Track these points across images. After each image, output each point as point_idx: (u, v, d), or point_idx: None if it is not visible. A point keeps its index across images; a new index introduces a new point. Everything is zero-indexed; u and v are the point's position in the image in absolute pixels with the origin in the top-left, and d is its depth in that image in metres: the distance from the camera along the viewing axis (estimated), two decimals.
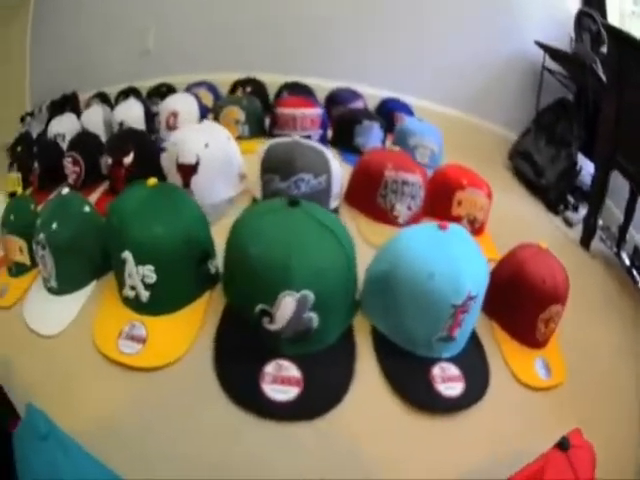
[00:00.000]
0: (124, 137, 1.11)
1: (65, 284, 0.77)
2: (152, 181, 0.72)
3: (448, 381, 0.64)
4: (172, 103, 1.29)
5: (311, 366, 0.61)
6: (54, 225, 0.75)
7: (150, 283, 0.67)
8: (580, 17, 1.41)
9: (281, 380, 0.60)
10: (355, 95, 1.41)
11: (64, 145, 1.37)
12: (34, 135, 1.67)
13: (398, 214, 0.95)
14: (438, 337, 0.64)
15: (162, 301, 0.69)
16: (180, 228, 0.69)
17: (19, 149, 1.50)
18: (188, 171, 0.91)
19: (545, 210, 1.33)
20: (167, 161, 0.94)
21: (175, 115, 1.26)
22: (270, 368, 0.61)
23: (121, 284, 0.69)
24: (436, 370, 0.64)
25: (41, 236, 0.75)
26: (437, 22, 1.45)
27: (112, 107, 1.52)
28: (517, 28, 1.47)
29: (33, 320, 0.75)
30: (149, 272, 0.67)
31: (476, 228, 1.04)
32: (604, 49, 1.33)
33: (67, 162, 1.15)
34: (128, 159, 1.01)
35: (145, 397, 0.63)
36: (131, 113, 1.33)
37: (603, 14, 1.45)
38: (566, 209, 1.33)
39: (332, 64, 1.48)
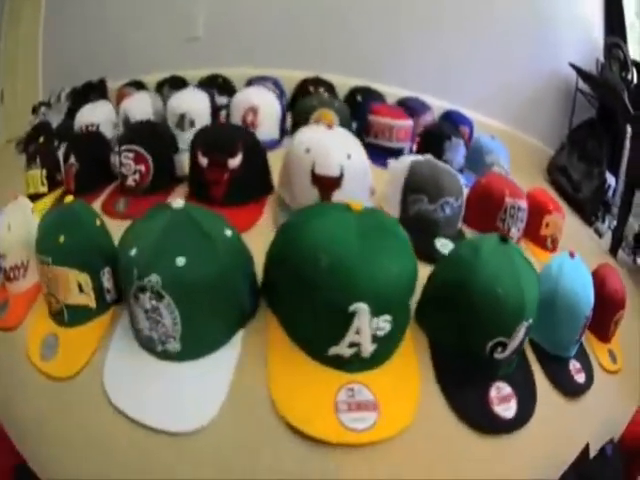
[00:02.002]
0: (228, 133, 0.80)
1: (196, 344, 0.50)
2: (357, 205, 0.51)
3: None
4: (251, 97, 0.99)
5: (514, 383, 0.56)
6: (180, 259, 0.47)
7: (382, 335, 0.47)
8: (610, 47, 1.35)
9: (502, 400, 0.54)
10: (424, 106, 1.21)
11: None
12: (53, 126, 1.29)
13: (512, 237, 0.86)
14: (575, 340, 0.67)
15: (386, 352, 0.49)
16: (412, 263, 0.49)
17: (41, 140, 1.06)
18: (329, 184, 0.67)
19: (580, 221, 1.27)
20: (298, 170, 0.69)
21: (255, 111, 0.96)
22: (494, 391, 0.54)
23: (328, 342, 0.47)
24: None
25: (153, 278, 0.46)
26: (487, 42, 1.31)
27: None
28: (555, 49, 1.37)
29: (140, 406, 0.48)
30: (384, 323, 0.47)
31: (555, 246, 0.99)
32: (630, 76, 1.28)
33: (125, 158, 0.80)
34: (235, 161, 0.73)
35: None
36: (196, 104, 1.01)
37: (624, 38, 1.38)
38: (596, 221, 1.28)
39: (396, 71, 1.28)
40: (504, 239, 0.56)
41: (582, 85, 1.39)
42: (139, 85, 1.31)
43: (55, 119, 1.35)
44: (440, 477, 0.47)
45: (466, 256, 0.54)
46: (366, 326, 0.45)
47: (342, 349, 0.46)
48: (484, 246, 0.54)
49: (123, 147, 0.81)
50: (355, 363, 0.47)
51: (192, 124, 0.98)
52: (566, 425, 0.59)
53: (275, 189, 0.77)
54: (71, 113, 1.32)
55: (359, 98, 1.17)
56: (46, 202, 0.89)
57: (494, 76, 1.30)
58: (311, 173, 0.67)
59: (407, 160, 0.77)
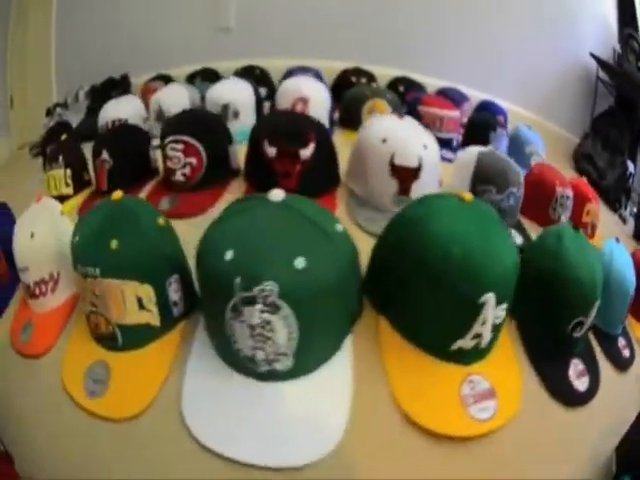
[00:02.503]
0: (297, 121, 0.73)
1: (310, 358, 0.42)
2: (469, 196, 0.49)
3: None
4: (301, 86, 0.93)
5: (585, 360, 0.57)
6: (300, 261, 0.39)
7: (498, 324, 0.46)
8: (626, 38, 1.35)
9: (579, 374, 0.55)
10: (463, 97, 1.19)
11: None
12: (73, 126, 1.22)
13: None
14: (623, 319, 0.69)
15: (495, 340, 0.48)
16: (516, 251, 0.48)
17: (63, 137, 0.95)
18: (409, 175, 0.65)
19: (607, 208, 1.26)
20: (374, 161, 0.66)
21: (305, 101, 0.91)
22: (572, 367, 0.55)
23: (454, 335, 0.45)
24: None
25: (267, 286, 0.38)
26: (515, 34, 1.30)
27: None
28: (576, 40, 1.36)
29: (237, 441, 0.39)
30: (502, 312, 0.46)
31: (593, 233, 1.00)
32: None
33: (172, 150, 0.71)
34: (307, 152, 0.67)
35: None
36: (239, 94, 0.96)
37: (636, 29, 1.38)
38: (620, 207, 1.29)
39: (432, 61, 1.25)
40: (576, 228, 0.57)
41: (602, 74, 1.37)
42: (167, 79, 1.25)
43: (74, 119, 1.27)
44: (540, 449, 0.47)
45: (551, 245, 0.55)
46: (491, 316, 0.44)
47: (466, 342, 0.45)
48: (565, 235, 0.55)
49: (170, 138, 0.71)
50: (473, 355, 0.46)
51: (236, 115, 0.94)
52: (619, 396, 0.61)
53: (342, 181, 0.73)
54: (91, 112, 1.26)
55: (401, 88, 1.14)
56: (73, 204, 0.79)
57: (521, 66, 1.28)
58: (390, 164, 0.64)
59: (474, 152, 0.76)
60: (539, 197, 0.84)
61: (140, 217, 0.48)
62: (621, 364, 0.65)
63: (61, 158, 0.84)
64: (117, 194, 0.50)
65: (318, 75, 1.15)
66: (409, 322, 0.46)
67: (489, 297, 0.43)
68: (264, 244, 0.40)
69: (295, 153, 0.66)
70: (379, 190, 0.65)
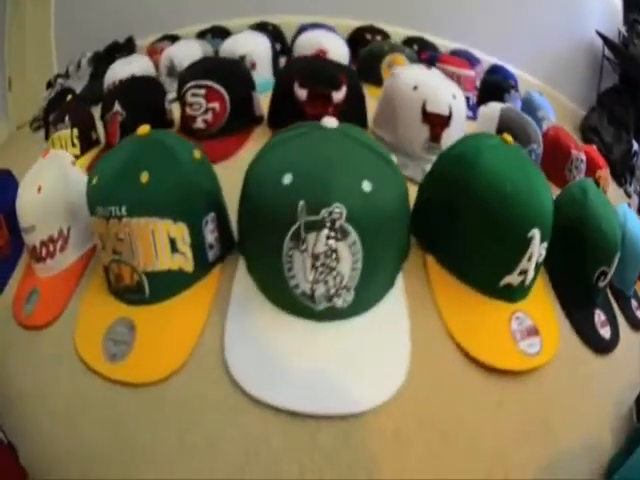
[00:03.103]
0: (328, 65, 0.70)
1: (368, 293, 0.39)
2: (509, 137, 0.47)
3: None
4: (320, 39, 0.91)
5: (605, 311, 0.57)
6: (367, 183, 0.36)
7: (539, 262, 0.45)
8: (632, 22, 1.35)
9: (602, 324, 0.55)
10: (475, 59, 1.16)
11: None
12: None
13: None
14: (634, 280, 0.68)
15: (535, 280, 0.47)
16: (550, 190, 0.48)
17: (68, 98, 0.92)
18: (440, 123, 0.63)
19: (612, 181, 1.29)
20: (405, 107, 0.64)
21: (324, 53, 0.88)
22: (597, 316, 0.55)
23: (503, 270, 0.44)
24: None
25: (336, 209, 0.35)
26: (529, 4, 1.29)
27: None
28: (583, 17, 1.37)
29: (292, 391, 0.36)
30: (543, 249, 0.45)
31: None
32: None
33: (193, 96, 0.67)
34: (339, 95, 0.63)
35: None
36: (257, 46, 0.92)
37: None
38: (625, 183, 1.28)
39: (445, 24, 1.22)
40: (597, 183, 0.58)
41: (607, 52, 1.38)
42: (174, 39, 1.19)
43: (77, 86, 1.19)
44: (571, 394, 0.46)
45: (578, 196, 0.55)
46: (536, 252, 0.43)
47: (514, 277, 0.44)
48: (589, 188, 0.55)
49: (191, 83, 0.67)
50: (519, 292, 0.46)
51: (253, 67, 0.89)
52: (635, 352, 0.61)
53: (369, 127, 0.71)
54: (94, 78, 1.21)
55: (415, 48, 1.11)
56: (80, 164, 0.73)
57: (532, 35, 1.28)
58: (422, 111, 0.62)
59: (497, 107, 0.75)
60: (556, 158, 0.84)
61: (174, 148, 0.43)
62: (635, 323, 0.65)
63: (67, 118, 0.78)
64: (143, 128, 0.44)
65: (332, 31, 1.10)
66: (459, 259, 0.45)
67: (535, 232, 0.43)
68: (327, 167, 0.36)
69: (328, 95, 0.63)
70: (410, 136, 0.63)
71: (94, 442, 0.38)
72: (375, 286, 0.40)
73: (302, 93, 0.63)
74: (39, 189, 0.51)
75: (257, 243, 0.41)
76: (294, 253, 0.36)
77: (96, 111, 0.81)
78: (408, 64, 0.90)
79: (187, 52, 0.96)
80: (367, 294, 0.39)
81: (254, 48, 0.92)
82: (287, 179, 0.36)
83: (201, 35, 1.17)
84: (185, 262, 0.42)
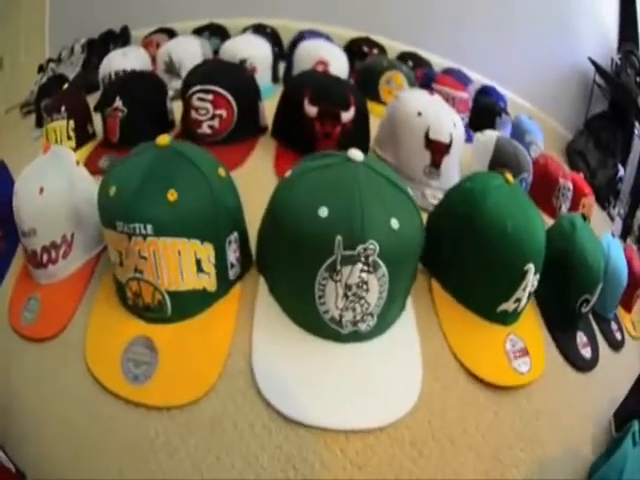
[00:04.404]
0: (338, 83, 0.75)
1: (386, 318, 0.46)
2: (511, 177, 0.57)
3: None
4: (321, 49, 0.99)
5: (587, 334, 0.68)
6: (395, 222, 0.42)
7: (532, 291, 0.55)
8: (626, 53, 1.51)
9: (584, 345, 0.65)
10: (467, 79, 1.27)
11: None
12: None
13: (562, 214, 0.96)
14: (615, 305, 0.80)
15: (526, 306, 0.56)
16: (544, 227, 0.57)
17: (65, 87, 0.92)
18: (441, 150, 0.73)
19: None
20: (408, 133, 0.73)
21: (326, 64, 0.97)
22: (579, 338, 0.66)
23: (500, 298, 0.53)
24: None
25: (371, 245, 0.40)
26: (520, 26, 1.44)
27: None
28: (576, 43, 1.52)
29: (317, 409, 0.41)
30: (536, 280, 0.54)
31: None
32: None
33: (200, 100, 0.70)
34: (348, 115, 0.69)
35: None
36: (257, 51, 0.99)
37: (637, 44, 1.55)
38: (609, 206, 1.43)
39: (436, 41, 1.34)
40: (585, 218, 0.68)
41: (598, 79, 1.53)
42: (170, 33, 1.26)
43: (69, 73, 1.24)
44: (555, 407, 0.56)
45: (567, 230, 0.65)
46: (530, 283, 0.53)
47: (509, 304, 0.53)
48: (578, 223, 0.66)
49: (197, 87, 0.71)
50: (512, 316, 0.55)
51: (254, 71, 0.97)
52: (613, 371, 0.72)
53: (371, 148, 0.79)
54: (88, 65, 1.26)
55: (410, 63, 1.21)
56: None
57: (523, 58, 1.42)
58: (425, 137, 0.72)
59: (492, 136, 0.85)
60: (544, 186, 0.95)
61: (200, 165, 0.45)
62: (614, 344, 0.77)
63: (63, 108, 0.80)
64: (163, 138, 0.46)
65: (330, 40, 1.19)
66: (461, 286, 0.54)
67: (531, 266, 0.52)
68: (359, 203, 0.41)
69: (337, 114, 0.70)
70: (412, 161, 0.73)
71: (118, 469, 0.40)
72: (393, 310, 0.48)
73: (312, 110, 0.70)
74: (41, 190, 0.51)
75: (288, 269, 0.46)
76: (327, 282, 0.42)
77: (90, 101, 0.86)
78: (406, 83, 1.00)
79: (186, 49, 1.03)
80: (386, 318, 0.47)
81: (255, 53, 0.99)
82: (323, 212, 0.41)
83: (198, 32, 1.23)
84: (209, 282, 0.46)
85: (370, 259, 0.41)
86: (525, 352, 0.54)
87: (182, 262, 0.44)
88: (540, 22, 1.45)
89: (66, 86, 0.93)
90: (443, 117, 0.73)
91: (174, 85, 0.91)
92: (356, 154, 0.46)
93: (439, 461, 0.43)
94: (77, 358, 0.46)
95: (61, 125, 0.79)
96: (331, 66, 0.98)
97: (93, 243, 0.56)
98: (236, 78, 0.76)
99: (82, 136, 0.82)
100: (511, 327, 0.55)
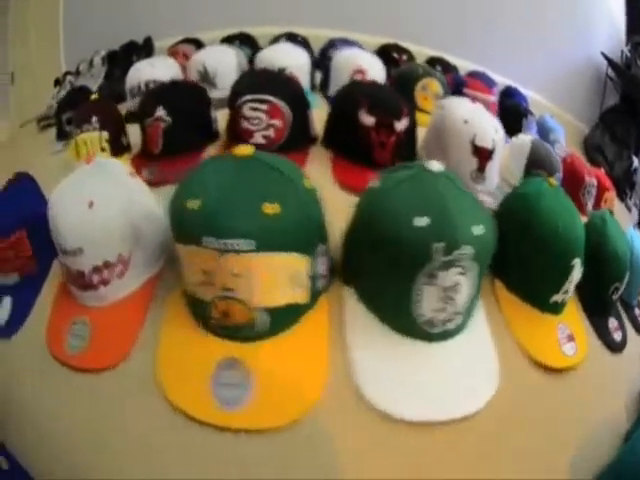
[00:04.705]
0: (391, 93, 0.80)
1: (468, 316, 0.51)
2: (554, 181, 0.66)
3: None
4: (358, 58, 1.05)
5: (617, 318, 0.75)
6: (478, 228, 0.47)
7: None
8: (636, 45, 1.59)
9: (615, 329, 0.73)
10: (492, 81, 1.34)
11: None
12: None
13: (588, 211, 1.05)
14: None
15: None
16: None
17: (94, 97, 0.91)
18: (486, 155, 0.80)
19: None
20: (456, 140, 0.81)
21: (363, 73, 1.03)
22: (610, 323, 0.73)
23: (552, 290, 0.62)
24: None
25: (467, 250, 0.44)
26: (537, 25, 1.51)
27: None
28: (589, 37, 1.60)
29: (414, 404, 0.45)
30: (580, 273, 0.63)
31: None
32: None
33: (253, 110, 0.71)
34: (401, 125, 0.74)
35: None
36: (295, 60, 1.04)
37: None
38: (626, 197, 1.51)
39: (462, 44, 1.42)
40: (611, 212, 0.77)
41: (611, 72, 1.61)
42: (197, 43, 1.30)
43: (91, 85, 1.26)
44: (596, 383, 0.64)
45: (599, 225, 0.73)
46: (576, 276, 0.62)
47: (559, 296, 0.62)
48: (607, 218, 0.74)
49: (249, 97, 0.72)
50: (561, 306, 0.64)
51: None
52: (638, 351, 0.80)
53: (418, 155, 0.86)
54: (110, 78, 1.29)
55: (438, 68, 1.29)
56: None
57: (540, 56, 1.50)
58: (471, 144, 0.79)
59: (527, 139, 0.94)
60: (572, 184, 1.02)
61: (290, 175, 0.46)
62: (638, 328, 0.85)
63: (95, 119, 0.80)
64: (246, 148, 0.47)
65: (360, 48, 1.26)
66: (520, 282, 0.62)
67: (577, 261, 0.61)
68: (450, 211, 0.46)
69: (391, 124, 0.74)
70: (460, 166, 0.79)
71: None
72: (472, 308, 0.53)
73: (369, 120, 0.73)
74: (90, 205, 0.48)
75: (385, 277, 0.49)
76: (425, 287, 0.46)
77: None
78: (440, 89, 1.07)
79: (221, 59, 1.07)
80: (468, 317, 0.53)
81: (293, 61, 1.03)
82: (422, 222, 0.45)
83: (226, 41, 1.28)
84: (302, 295, 0.46)
85: (463, 263, 0.46)
86: (571, 338, 0.63)
87: (278, 277, 0.44)
88: (553, 18, 1.53)
89: (95, 96, 0.92)
90: (486, 124, 0.81)
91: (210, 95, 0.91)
92: (435, 165, 0.52)
93: (518, 446, 0.50)
94: (145, 387, 0.44)
95: (93, 136, 0.78)
96: (368, 74, 1.04)
97: (153, 261, 0.54)
98: (288, 87, 0.79)
99: (116, 147, 0.81)
100: (560, 316, 0.64)
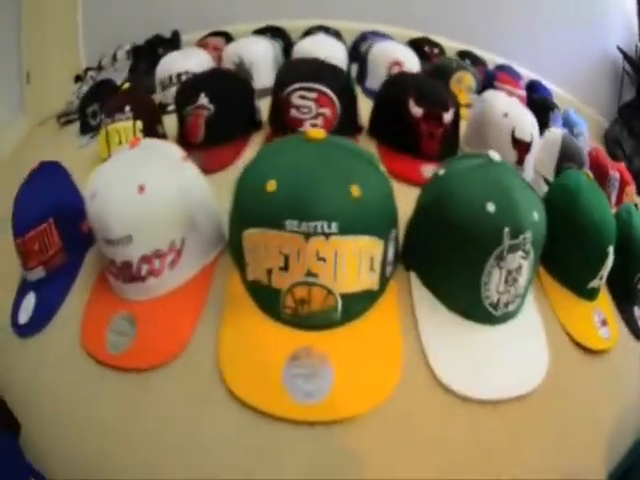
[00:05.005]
0: (437, 86, 0.83)
1: (524, 299, 0.55)
2: (589, 174, 0.73)
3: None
4: (395, 51, 1.11)
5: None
6: (535, 214, 0.51)
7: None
8: None
9: (639, 317, 0.76)
10: (518, 75, 1.39)
11: None
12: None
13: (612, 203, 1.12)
14: None
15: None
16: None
17: (125, 86, 0.90)
18: (525, 148, 0.86)
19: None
20: (497, 133, 0.86)
21: (400, 65, 1.08)
22: (636, 311, 0.77)
23: (590, 276, 0.68)
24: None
25: (528, 235, 0.49)
26: (560, 21, 1.58)
27: None
28: (606, 33, 1.67)
29: (481, 381, 0.49)
30: (612, 260, 0.69)
31: None
32: None
33: (302, 99, 0.74)
34: (448, 116, 0.78)
35: None
36: (334, 52, 1.09)
37: None
38: None
39: (490, 38, 1.48)
40: (637, 206, 0.83)
41: (627, 67, 1.68)
42: (226, 36, 1.33)
43: (115, 79, 1.25)
44: (626, 362, 0.70)
45: (625, 217, 0.79)
46: (610, 263, 0.68)
47: (596, 282, 0.68)
48: (632, 211, 0.80)
49: (297, 85, 0.74)
50: (596, 292, 0.70)
51: None
52: None
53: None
54: (135, 71, 1.31)
55: (467, 61, 1.34)
56: None
57: (560, 51, 1.57)
58: (511, 136, 0.85)
59: (558, 134, 0.99)
60: (597, 177, 1.06)
61: (368, 158, 0.47)
62: None
63: (128, 108, 0.79)
64: (318, 132, 0.47)
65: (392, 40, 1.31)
66: (562, 269, 0.68)
67: (611, 248, 0.67)
68: (515, 198, 0.51)
69: (440, 116, 0.78)
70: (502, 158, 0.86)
71: None
72: (527, 292, 0.58)
73: (417, 111, 0.78)
74: (141, 189, 0.46)
75: (454, 261, 0.52)
76: (494, 270, 0.49)
77: None
78: (474, 82, 1.13)
79: (257, 50, 1.10)
80: (523, 299, 0.57)
81: (331, 53, 1.06)
82: (491, 208, 0.49)
83: (257, 34, 1.31)
84: (375, 281, 0.47)
85: (527, 247, 0.50)
86: (605, 322, 0.69)
87: (360, 262, 0.44)
88: (572, 14, 1.59)
89: (127, 86, 0.90)
90: (525, 117, 0.87)
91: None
92: (495, 155, 0.56)
93: (558, 421, 0.55)
94: (207, 386, 0.44)
95: (126, 126, 0.77)
96: (405, 66, 1.09)
97: (209, 248, 0.53)
98: (337, 77, 0.81)
99: (152, 137, 0.77)
100: (596, 302, 0.71)
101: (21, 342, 0.54)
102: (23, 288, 0.58)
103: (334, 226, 0.42)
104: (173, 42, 1.37)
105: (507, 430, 0.50)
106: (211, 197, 0.57)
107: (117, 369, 0.46)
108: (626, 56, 1.65)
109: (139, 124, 0.78)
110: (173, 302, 0.47)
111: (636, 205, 1.21)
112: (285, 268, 0.44)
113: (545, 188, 0.86)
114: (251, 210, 0.45)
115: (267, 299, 0.47)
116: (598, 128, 1.65)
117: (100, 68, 1.39)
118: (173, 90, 0.98)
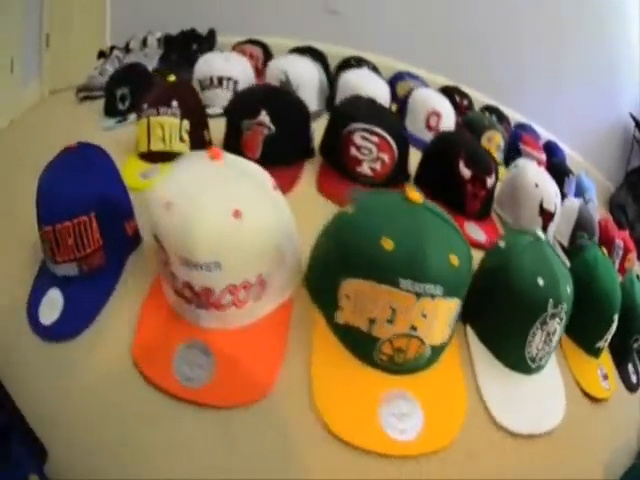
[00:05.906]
0: (485, 151, 1.05)
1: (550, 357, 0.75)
2: (604, 249, 1.01)
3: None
4: (433, 101, 1.33)
5: (634, 364, 1.08)
6: (570, 287, 0.73)
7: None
8: None
9: (633, 372, 1.04)
10: (538, 136, 1.68)
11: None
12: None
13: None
14: None
15: None
16: None
17: (172, 79, 0.95)
18: (549, 218, 1.12)
19: None
20: (528, 201, 1.12)
21: (439, 116, 1.30)
22: (630, 367, 1.04)
23: (598, 338, 0.96)
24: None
25: (565, 306, 0.70)
26: (577, 89, 1.94)
27: None
28: (617, 100, 2.03)
29: (524, 419, 0.68)
30: (615, 326, 0.96)
31: None
32: None
33: (364, 140, 0.87)
34: (491, 180, 0.98)
35: None
36: (378, 91, 1.28)
37: None
38: None
39: (516, 96, 1.80)
40: (638, 276, 1.08)
41: (638, 134, 2.04)
42: (263, 46, 1.52)
43: (147, 64, 1.40)
44: (620, 410, 0.95)
45: (629, 287, 1.07)
46: (614, 328, 0.95)
47: (602, 342, 0.95)
48: (634, 281, 1.08)
49: (362, 126, 0.87)
50: (600, 351, 0.97)
51: None
52: None
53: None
54: (165, 60, 1.47)
55: (493, 117, 1.64)
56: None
57: (574, 114, 1.90)
58: (540, 206, 1.12)
59: (575, 203, 1.27)
60: (605, 245, 1.31)
61: (458, 229, 0.63)
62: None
63: (175, 104, 0.84)
64: (416, 194, 0.61)
65: (423, 83, 1.57)
66: (576, 329, 0.89)
67: (616, 316, 0.94)
68: (557, 273, 0.72)
69: (484, 179, 0.98)
70: (528, 225, 1.11)
71: None
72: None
73: (466, 172, 0.96)
74: (236, 213, 0.48)
75: (507, 322, 0.72)
76: (537, 331, 0.70)
77: None
78: (502, 142, 1.41)
79: (305, 71, 1.29)
80: (551, 354, 0.78)
81: (377, 92, 1.24)
82: (541, 282, 0.69)
83: (296, 52, 1.52)
84: (449, 334, 0.65)
85: (562, 314, 0.72)
86: (606, 376, 0.97)
87: (448, 319, 0.61)
88: (591, 79, 1.92)
89: (173, 78, 0.95)
90: (551, 189, 1.13)
91: None
92: (542, 235, 0.77)
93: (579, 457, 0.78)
94: (301, 423, 0.51)
95: (172, 122, 0.83)
96: (442, 118, 1.33)
97: (290, 282, 0.60)
98: (397, 124, 0.98)
99: (197, 141, 0.85)
100: (600, 359, 0.98)
101: (45, 345, 0.57)
102: (44, 281, 0.60)
103: (439, 289, 0.57)
104: (209, 40, 1.53)
105: (534, 457, 0.71)
106: (296, 230, 0.64)
107: (193, 403, 0.50)
108: (638, 123, 1.99)
109: (186, 124, 0.85)
110: (254, 336, 0.52)
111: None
112: (391, 321, 0.57)
113: (561, 253, 1.12)
114: (362, 262, 0.56)
115: (362, 344, 0.60)
116: (604, 192, 1.96)
117: (128, 50, 1.53)
118: (214, 93, 1.17)
